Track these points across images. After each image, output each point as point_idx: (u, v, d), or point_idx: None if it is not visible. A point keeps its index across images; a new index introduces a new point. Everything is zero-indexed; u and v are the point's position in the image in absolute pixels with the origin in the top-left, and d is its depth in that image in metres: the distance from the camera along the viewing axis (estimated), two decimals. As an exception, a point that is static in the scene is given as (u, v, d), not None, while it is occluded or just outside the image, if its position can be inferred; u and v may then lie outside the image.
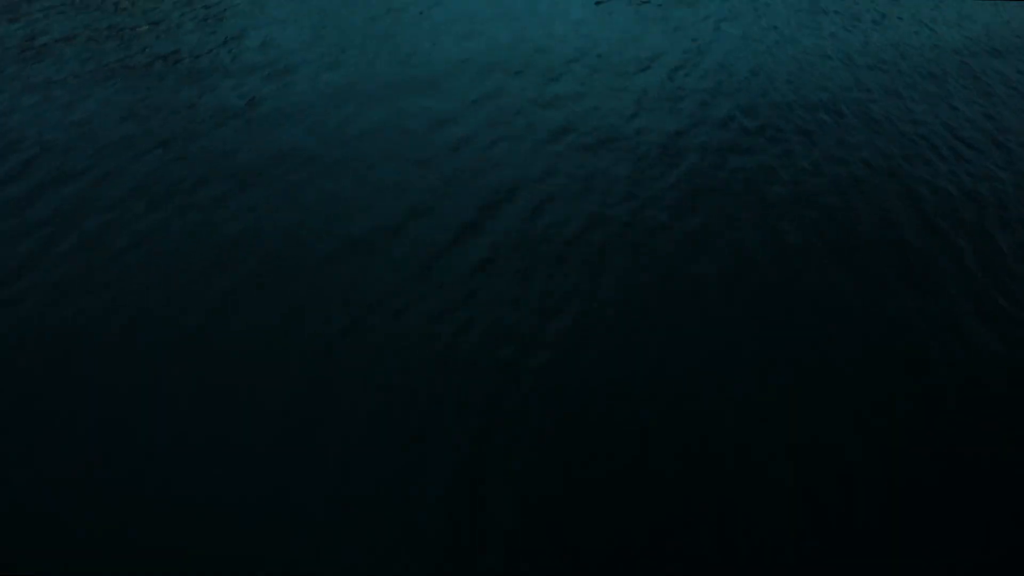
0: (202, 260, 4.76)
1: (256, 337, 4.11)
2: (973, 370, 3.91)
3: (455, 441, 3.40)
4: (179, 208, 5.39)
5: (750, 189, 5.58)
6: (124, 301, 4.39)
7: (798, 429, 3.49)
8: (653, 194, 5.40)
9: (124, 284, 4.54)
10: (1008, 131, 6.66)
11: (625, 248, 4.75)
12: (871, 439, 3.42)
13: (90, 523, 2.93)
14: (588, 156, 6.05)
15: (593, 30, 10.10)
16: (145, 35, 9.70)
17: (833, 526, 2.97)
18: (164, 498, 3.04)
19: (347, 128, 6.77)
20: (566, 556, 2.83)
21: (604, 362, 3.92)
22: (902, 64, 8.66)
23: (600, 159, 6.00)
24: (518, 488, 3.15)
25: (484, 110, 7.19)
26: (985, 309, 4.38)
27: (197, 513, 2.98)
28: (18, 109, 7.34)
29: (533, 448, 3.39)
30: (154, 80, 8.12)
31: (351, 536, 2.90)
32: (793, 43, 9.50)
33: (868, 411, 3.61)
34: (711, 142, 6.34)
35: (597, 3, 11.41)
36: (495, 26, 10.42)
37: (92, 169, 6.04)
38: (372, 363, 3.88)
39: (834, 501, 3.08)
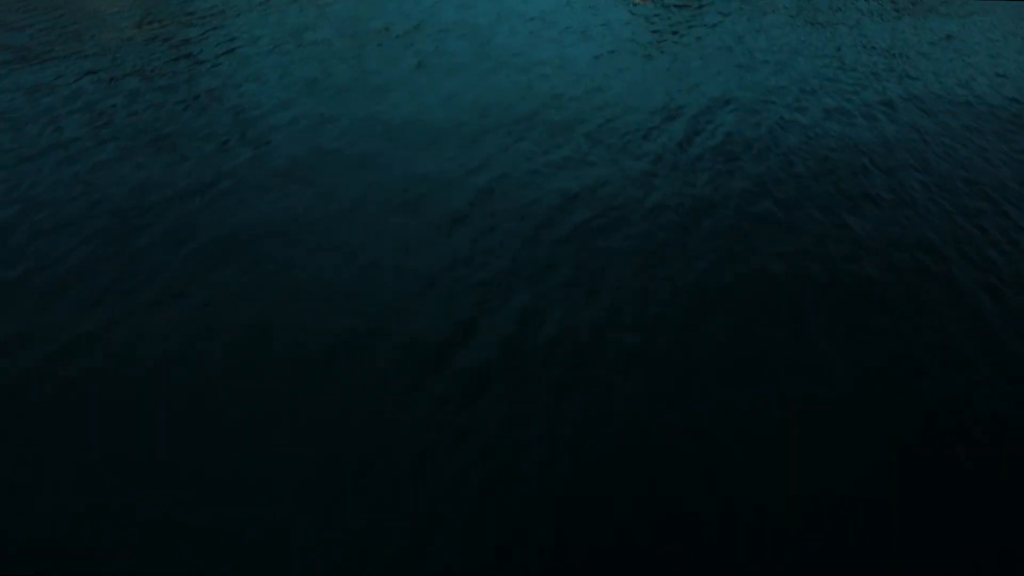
0: (135, 384, 4.08)
1: (196, 491, 3.42)
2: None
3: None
4: (118, 314, 4.73)
5: (778, 290, 4.92)
6: (41, 440, 3.71)
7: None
8: (668, 300, 4.73)
9: (42, 418, 3.87)
10: (1068, 215, 6.03)
11: (638, 372, 4.08)
12: None
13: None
14: (593, 247, 5.40)
15: (599, 86, 9.56)
16: (109, 96, 9.17)
17: None
18: None
19: (320, 207, 6.15)
20: None
21: (616, 533, 3.22)
22: (938, 130, 8.07)
23: (607, 251, 5.35)
24: None
25: (477, 183, 6.58)
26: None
27: None
28: (-46, 184, 6.76)
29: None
30: (113, 149, 7.54)
31: None
32: (815, 103, 8.94)
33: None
34: (731, 229, 5.70)
35: (596, 57, 10.91)
36: (496, 79, 9.89)
37: (21, 260, 5.40)
38: (336, 528, 3.18)
39: None
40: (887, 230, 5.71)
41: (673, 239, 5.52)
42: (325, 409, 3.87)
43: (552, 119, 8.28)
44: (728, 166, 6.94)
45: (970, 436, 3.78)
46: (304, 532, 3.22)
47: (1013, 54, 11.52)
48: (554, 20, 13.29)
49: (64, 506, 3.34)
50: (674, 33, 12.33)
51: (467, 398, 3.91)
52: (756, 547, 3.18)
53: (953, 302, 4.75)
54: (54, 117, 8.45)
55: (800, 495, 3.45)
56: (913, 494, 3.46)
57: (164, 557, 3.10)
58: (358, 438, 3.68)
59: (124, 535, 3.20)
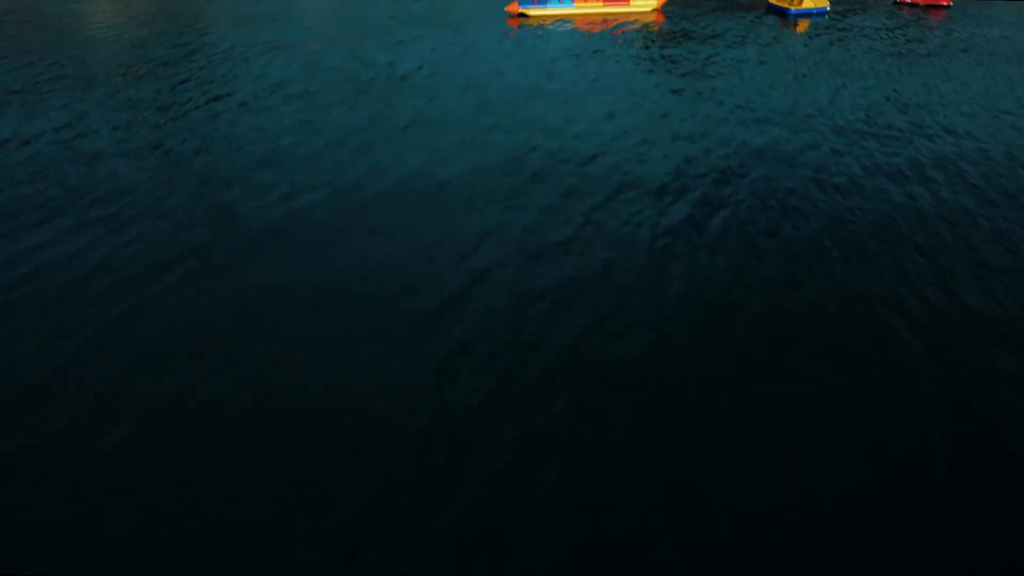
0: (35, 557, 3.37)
1: None
2: None
3: None
4: (22, 447, 4.03)
5: (821, 430, 4.21)
6: None
7: None
8: (688, 449, 4.01)
9: None
10: None
11: (654, 557, 3.35)
12: None
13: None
14: (599, 365, 4.70)
15: (606, 148, 8.95)
16: (66, 160, 8.58)
17: None
18: None
19: (280, 306, 5.46)
20: None
21: None
22: (984, 207, 7.41)
23: (614, 369, 4.64)
24: None
25: (464, 275, 5.91)
26: None
27: None
28: None
29: None
30: (61, 225, 6.90)
31: None
32: (845, 171, 8.31)
33: None
34: (760, 341, 5.00)
35: (603, 114, 10.34)
36: (493, 139, 9.29)
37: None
38: None
39: None
40: (945, 345, 5.00)
41: (692, 356, 4.82)
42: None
43: (553, 189, 7.65)
44: (752, 254, 6.27)
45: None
46: None
47: (1054, 111, 10.92)
48: (557, 71, 12.78)
49: None
50: (687, 87, 11.78)
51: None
52: None
53: (1011, 409, 4.03)
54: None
55: None
56: None
57: None
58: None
59: None
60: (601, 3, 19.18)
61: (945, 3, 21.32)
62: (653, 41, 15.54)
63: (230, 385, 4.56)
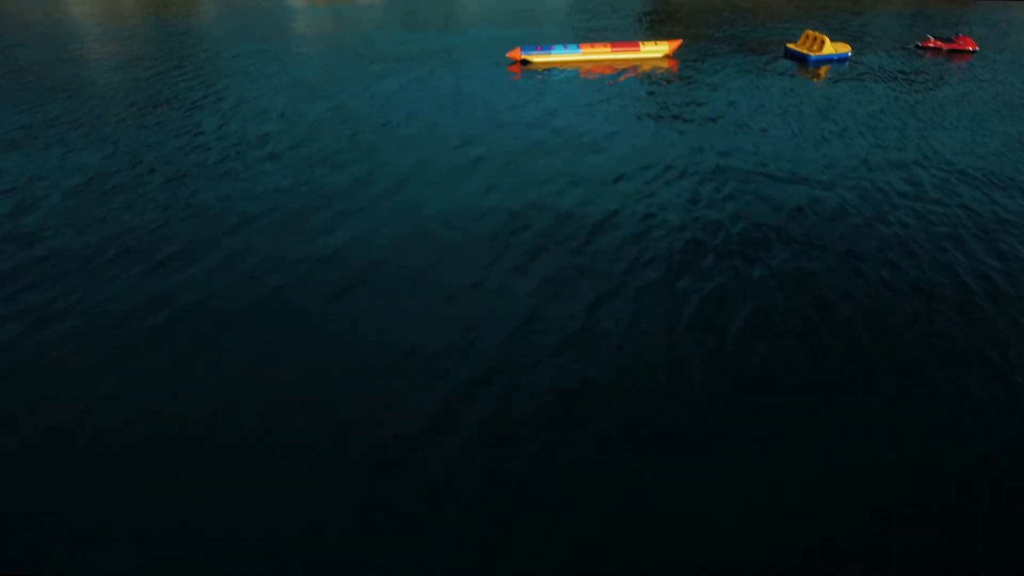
0: None
1: None
2: None
3: None
4: None
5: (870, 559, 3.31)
6: None
7: None
8: None
9: None
10: None
11: None
12: None
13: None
14: (601, 538, 3.83)
15: (614, 219, 8.17)
16: (10, 230, 7.82)
17: None
18: None
19: (223, 428, 4.65)
20: None
21: None
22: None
23: (621, 521, 3.77)
24: None
25: (442, 395, 5.08)
26: None
27: None
28: None
29: None
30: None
31: None
32: (877, 251, 7.48)
33: None
34: (793, 485, 4.13)
35: (609, 179, 9.56)
36: (488, 205, 8.54)
37: None
38: None
39: None
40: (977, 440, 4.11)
41: (713, 506, 3.93)
42: None
43: (551, 279, 6.83)
44: (783, 366, 5.41)
45: None
46: None
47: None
48: (560, 126, 12.05)
49: None
50: (701, 145, 11.01)
51: None
52: None
53: None
54: (-79, 268, 7.08)
55: None
56: None
57: None
58: None
59: None
60: (609, 49, 18.58)
61: (970, 48, 20.71)
62: (664, 91, 14.85)
63: (161, 526, 3.70)
